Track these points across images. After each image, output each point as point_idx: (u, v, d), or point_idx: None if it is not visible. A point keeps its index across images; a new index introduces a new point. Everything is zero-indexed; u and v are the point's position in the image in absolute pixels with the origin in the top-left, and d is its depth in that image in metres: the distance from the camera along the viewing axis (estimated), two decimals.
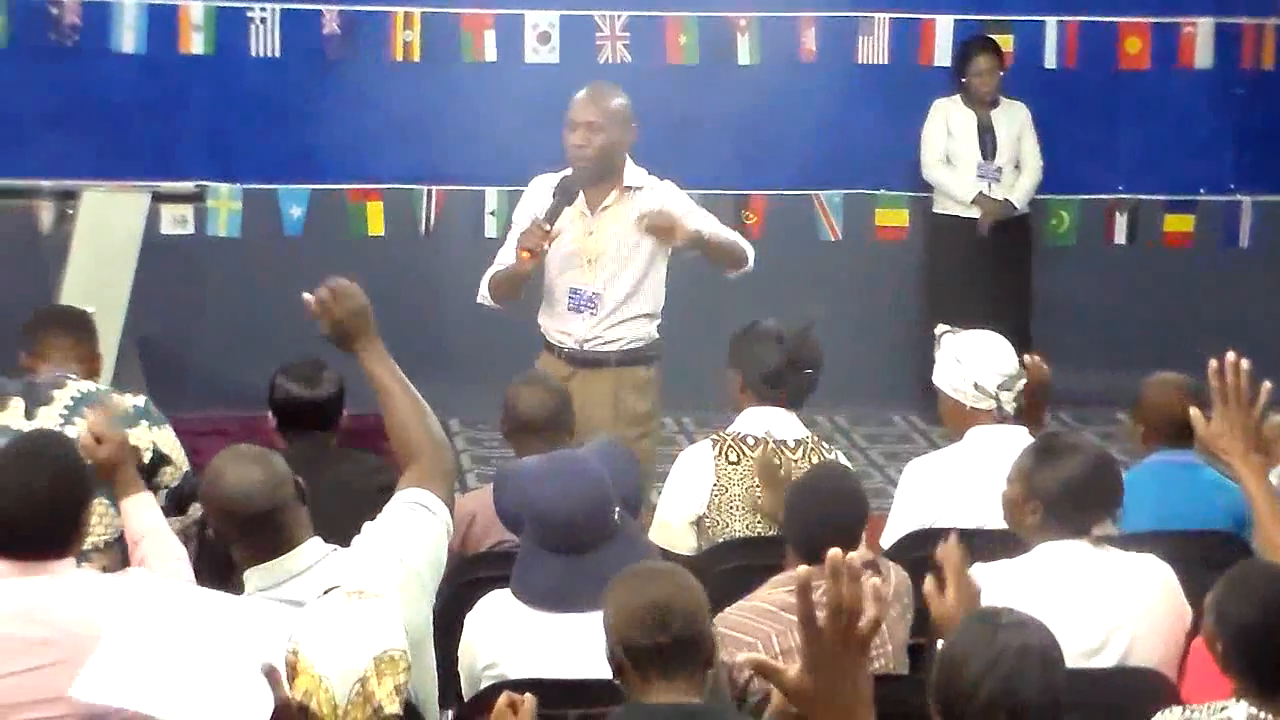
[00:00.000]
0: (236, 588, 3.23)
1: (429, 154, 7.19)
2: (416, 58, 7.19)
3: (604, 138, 4.64)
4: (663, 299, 4.84)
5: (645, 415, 4.87)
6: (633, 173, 4.78)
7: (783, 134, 7.34)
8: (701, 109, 7.00)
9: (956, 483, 4.04)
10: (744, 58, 7.37)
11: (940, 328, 4.17)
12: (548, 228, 4.56)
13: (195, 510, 4.10)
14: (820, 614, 1.81)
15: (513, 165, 6.70)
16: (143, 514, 3.58)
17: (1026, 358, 4.07)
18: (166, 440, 4.01)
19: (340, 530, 3.20)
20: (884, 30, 7.45)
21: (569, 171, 4.73)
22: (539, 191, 4.83)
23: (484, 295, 4.84)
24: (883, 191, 7.59)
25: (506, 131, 6.87)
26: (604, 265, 4.78)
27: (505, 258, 4.81)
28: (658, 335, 4.86)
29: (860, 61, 7.46)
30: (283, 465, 3.15)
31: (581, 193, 4.70)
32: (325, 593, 2.60)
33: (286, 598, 2.98)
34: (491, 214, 7.26)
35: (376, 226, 7.27)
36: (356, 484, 3.84)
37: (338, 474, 3.84)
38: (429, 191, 7.27)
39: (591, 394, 4.71)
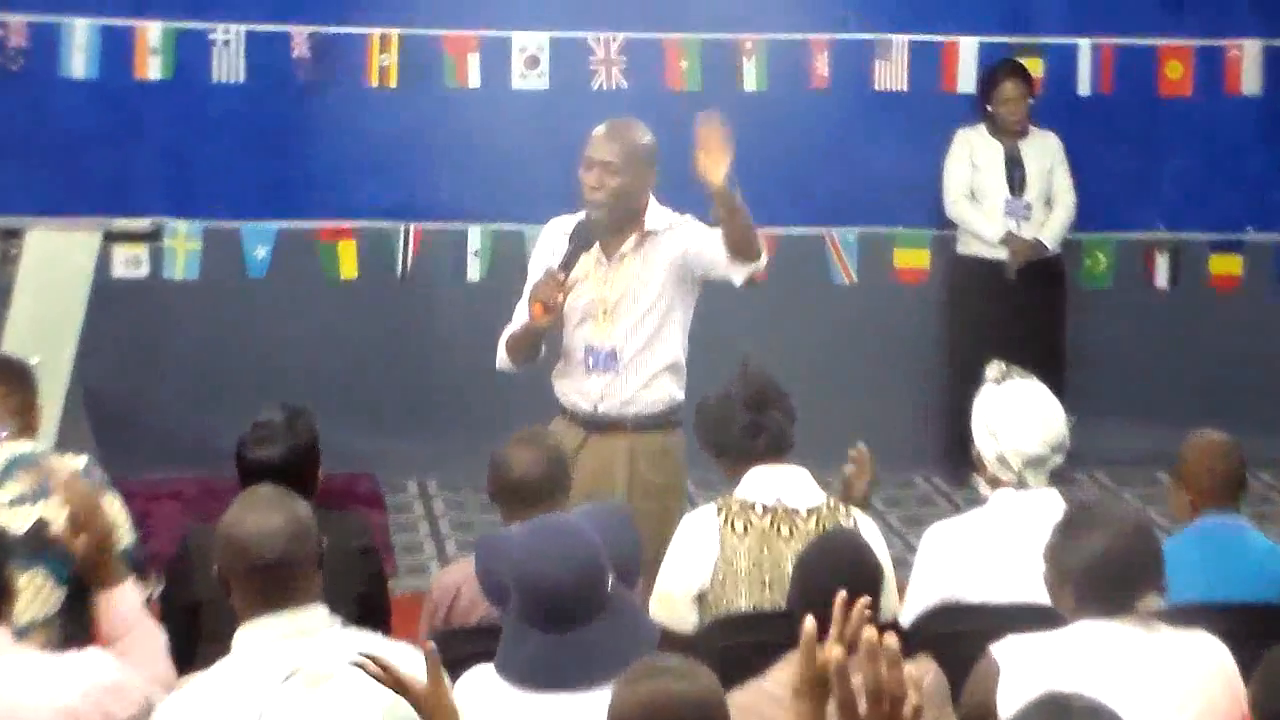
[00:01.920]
0: (206, 658, 3.25)
1: (407, 188, 7.21)
2: (394, 83, 7.18)
3: (620, 181, 4.64)
4: (685, 350, 4.83)
5: (663, 488, 4.83)
6: (655, 215, 4.77)
7: (792, 167, 7.30)
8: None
9: (981, 550, 4.03)
10: (750, 84, 7.33)
11: (991, 369, 4.15)
12: (562, 278, 4.58)
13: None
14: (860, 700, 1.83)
15: (499, 201, 7.05)
16: (124, 607, 3.49)
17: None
18: (111, 508, 3.86)
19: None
20: (902, 54, 7.42)
21: (581, 218, 4.75)
22: (555, 237, 4.83)
23: (501, 360, 4.84)
24: (901, 230, 7.55)
25: (492, 164, 6.97)
26: (621, 318, 4.76)
27: (522, 314, 4.81)
28: (681, 397, 4.82)
29: (877, 88, 7.42)
30: (310, 521, 3.20)
31: (596, 239, 4.73)
32: (286, 679, 2.61)
33: (279, 659, 3.01)
34: (475, 255, 7.26)
35: (349, 268, 7.26)
36: (336, 546, 3.79)
37: None
38: (407, 230, 7.25)
39: (604, 462, 4.72)
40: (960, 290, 7.47)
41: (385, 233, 7.28)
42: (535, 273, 4.81)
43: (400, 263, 7.28)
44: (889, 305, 7.53)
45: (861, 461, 4.22)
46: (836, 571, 3.40)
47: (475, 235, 7.27)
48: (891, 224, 7.54)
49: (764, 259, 4.68)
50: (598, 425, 4.78)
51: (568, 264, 4.61)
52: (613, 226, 4.70)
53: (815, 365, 7.03)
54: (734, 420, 4.12)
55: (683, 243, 4.73)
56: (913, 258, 7.57)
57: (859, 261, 7.49)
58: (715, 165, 4.46)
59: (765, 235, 6.57)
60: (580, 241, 4.65)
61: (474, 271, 7.26)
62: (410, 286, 7.30)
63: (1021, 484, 3.99)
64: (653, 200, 4.77)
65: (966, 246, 7.45)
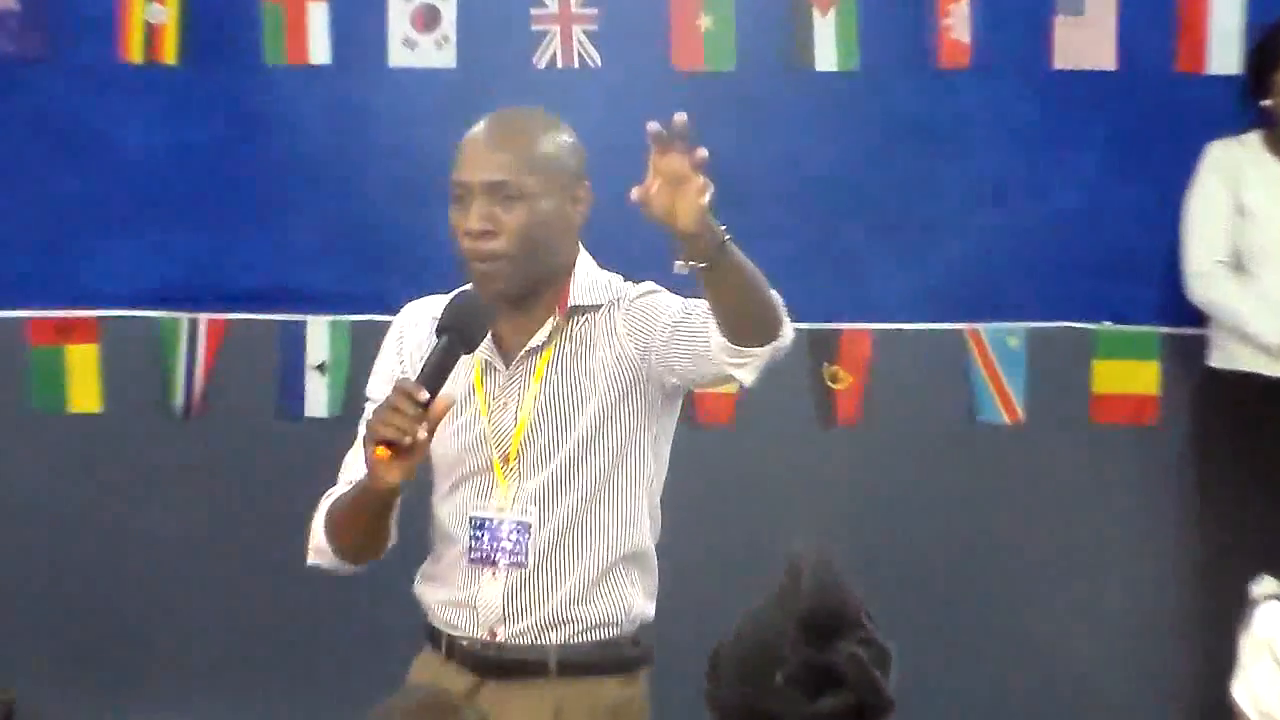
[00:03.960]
0: None
1: (196, 251, 6.90)
2: (173, 59, 6.85)
3: (525, 214, 4.46)
4: (655, 528, 4.70)
5: None
6: (585, 279, 4.62)
7: (904, 210, 7.00)
8: (741, 163, 6.75)
9: None
10: (827, 59, 6.98)
11: (1263, 586, 3.81)
12: (424, 396, 4.22)
13: None
14: None
15: (365, 273, 6.90)
16: None
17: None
18: None
19: None
20: (1106, 10, 7.00)
21: (462, 289, 4.52)
22: (413, 329, 4.69)
23: (319, 545, 4.64)
24: (1106, 326, 7.09)
25: (351, 207, 6.86)
26: (535, 463, 4.57)
27: (354, 464, 4.62)
28: (649, 613, 4.67)
29: (1058, 66, 7.02)
30: None
31: (488, 327, 4.49)
32: None
33: None
34: (318, 369, 6.93)
35: (87, 396, 6.96)
36: None
37: None
38: (194, 324, 6.93)
39: None
40: (1217, 433, 7.04)
41: (154, 329, 6.96)
42: (377, 390, 4.59)
43: (181, 384, 6.98)
44: (1085, 461, 7.13)
45: None
46: None
47: (318, 333, 6.96)
48: (1088, 316, 7.11)
49: (788, 334, 4.37)
50: (497, 666, 4.59)
51: (434, 374, 4.26)
52: (514, 301, 4.53)
53: (946, 567, 7.09)
54: (776, 664, 3.66)
55: (640, 328, 4.57)
56: (1128, 375, 7.16)
57: (1028, 382, 7.11)
58: (685, 199, 4.13)
59: (856, 334, 7.13)
60: (455, 332, 4.34)
61: (317, 399, 6.93)
62: (201, 431, 6.98)
63: None
64: (584, 255, 4.59)
65: (1227, 356, 7.01)
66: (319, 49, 6.84)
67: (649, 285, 4.56)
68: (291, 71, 6.84)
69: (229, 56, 6.83)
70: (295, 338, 6.90)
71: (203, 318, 6.88)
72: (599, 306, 4.55)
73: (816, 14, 6.94)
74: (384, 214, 6.78)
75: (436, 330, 4.33)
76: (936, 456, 7.08)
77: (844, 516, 6.87)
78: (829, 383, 7.05)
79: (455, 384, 4.42)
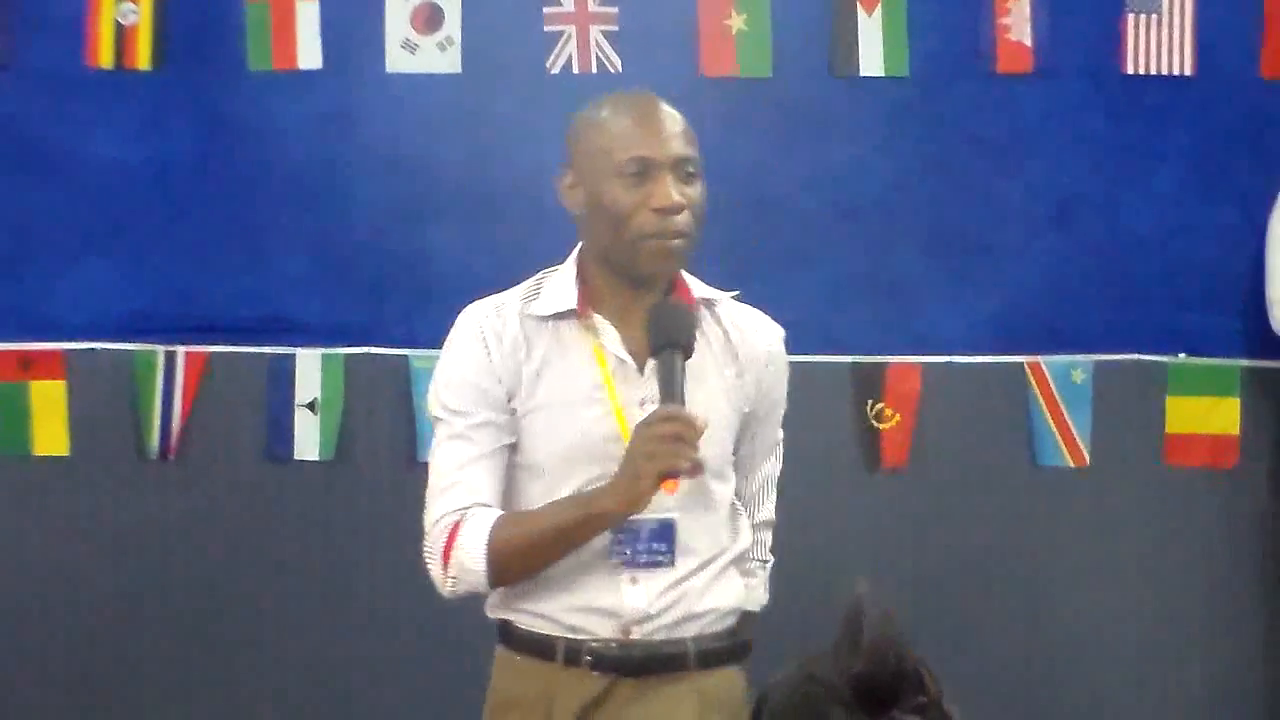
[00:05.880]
0: None
1: (174, 275, 6.72)
2: (146, 64, 6.66)
3: (701, 191, 4.60)
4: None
5: None
6: (688, 278, 4.87)
7: (959, 231, 6.87)
8: (778, 178, 6.82)
9: None
10: (872, 63, 6.84)
11: None
12: (701, 420, 4.40)
13: None
14: None
15: (359, 302, 6.81)
16: None
17: None
18: None
19: None
20: (1183, 9, 6.88)
21: (550, 283, 4.52)
22: (496, 339, 4.54)
23: (468, 570, 4.49)
24: (1181, 360, 6.96)
25: (344, 228, 6.74)
26: None
27: (468, 486, 4.50)
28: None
29: (1130, 71, 6.85)
30: None
31: (606, 322, 4.60)
32: None
33: None
34: (308, 408, 6.73)
35: (52, 437, 6.77)
36: None
37: None
38: (171, 357, 6.73)
39: None
40: None
41: (126, 363, 6.76)
42: (463, 405, 4.49)
43: (159, 425, 6.78)
44: (1157, 508, 6.99)
45: None
46: None
47: (310, 367, 6.78)
48: (1162, 347, 6.97)
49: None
50: (639, 665, 4.60)
51: (678, 393, 4.40)
52: (645, 290, 4.60)
53: (1004, 625, 7.01)
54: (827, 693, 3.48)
55: (765, 399, 4.65)
56: (1205, 413, 7.04)
57: (1095, 421, 6.96)
58: None
59: (904, 368, 7.11)
60: (676, 347, 4.42)
61: (308, 441, 6.73)
62: (178, 471, 6.77)
63: None
64: None
65: None
66: (309, 52, 6.65)
67: (776, 326, 4.55)
68: (278, 77, 6.64)
69: (209, 61, 6.61)
70: (283, 372, 6.68)
71: (181, 350, 6.66)
72: (712, 300, 4.56)
73: (861, 13, 6.81)
74: (382, 235, 6.62)
75: (655, 349, 4.34)
76: (992, 504, 6.90)
77: (889, 569, 6.72)
78: (874, 422, 6.92)
79: (578, 380, 4.50)
